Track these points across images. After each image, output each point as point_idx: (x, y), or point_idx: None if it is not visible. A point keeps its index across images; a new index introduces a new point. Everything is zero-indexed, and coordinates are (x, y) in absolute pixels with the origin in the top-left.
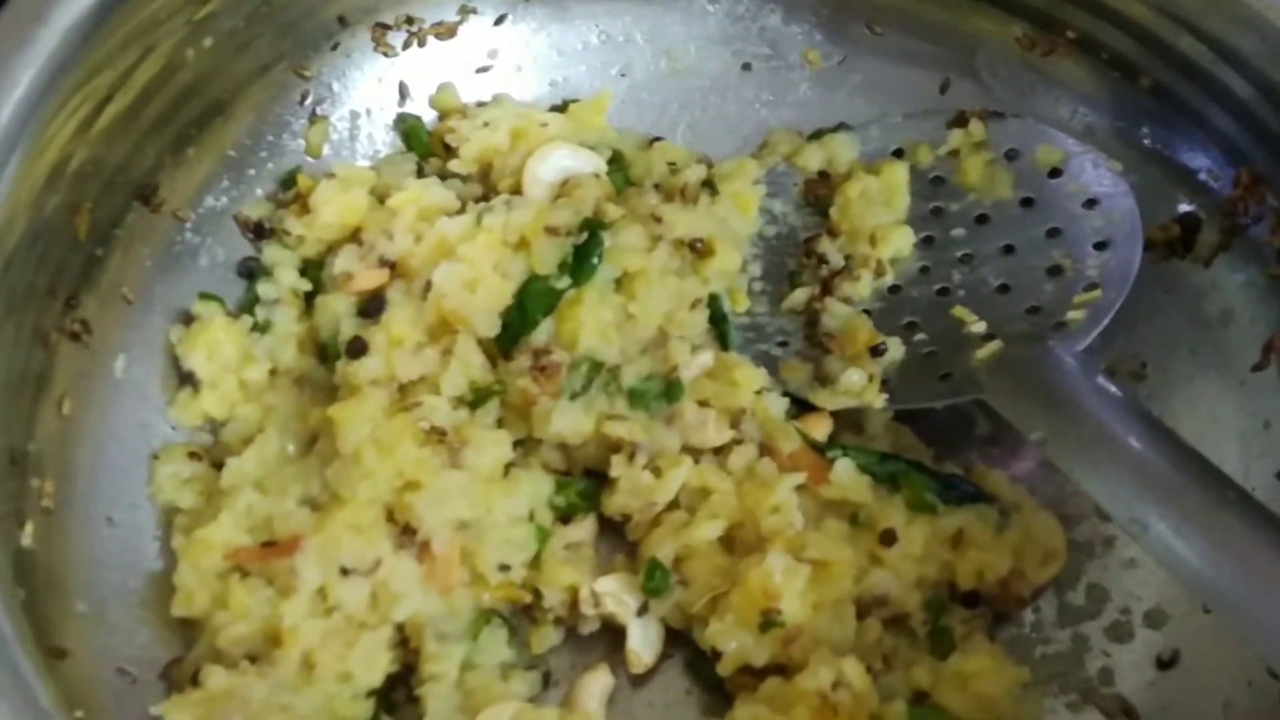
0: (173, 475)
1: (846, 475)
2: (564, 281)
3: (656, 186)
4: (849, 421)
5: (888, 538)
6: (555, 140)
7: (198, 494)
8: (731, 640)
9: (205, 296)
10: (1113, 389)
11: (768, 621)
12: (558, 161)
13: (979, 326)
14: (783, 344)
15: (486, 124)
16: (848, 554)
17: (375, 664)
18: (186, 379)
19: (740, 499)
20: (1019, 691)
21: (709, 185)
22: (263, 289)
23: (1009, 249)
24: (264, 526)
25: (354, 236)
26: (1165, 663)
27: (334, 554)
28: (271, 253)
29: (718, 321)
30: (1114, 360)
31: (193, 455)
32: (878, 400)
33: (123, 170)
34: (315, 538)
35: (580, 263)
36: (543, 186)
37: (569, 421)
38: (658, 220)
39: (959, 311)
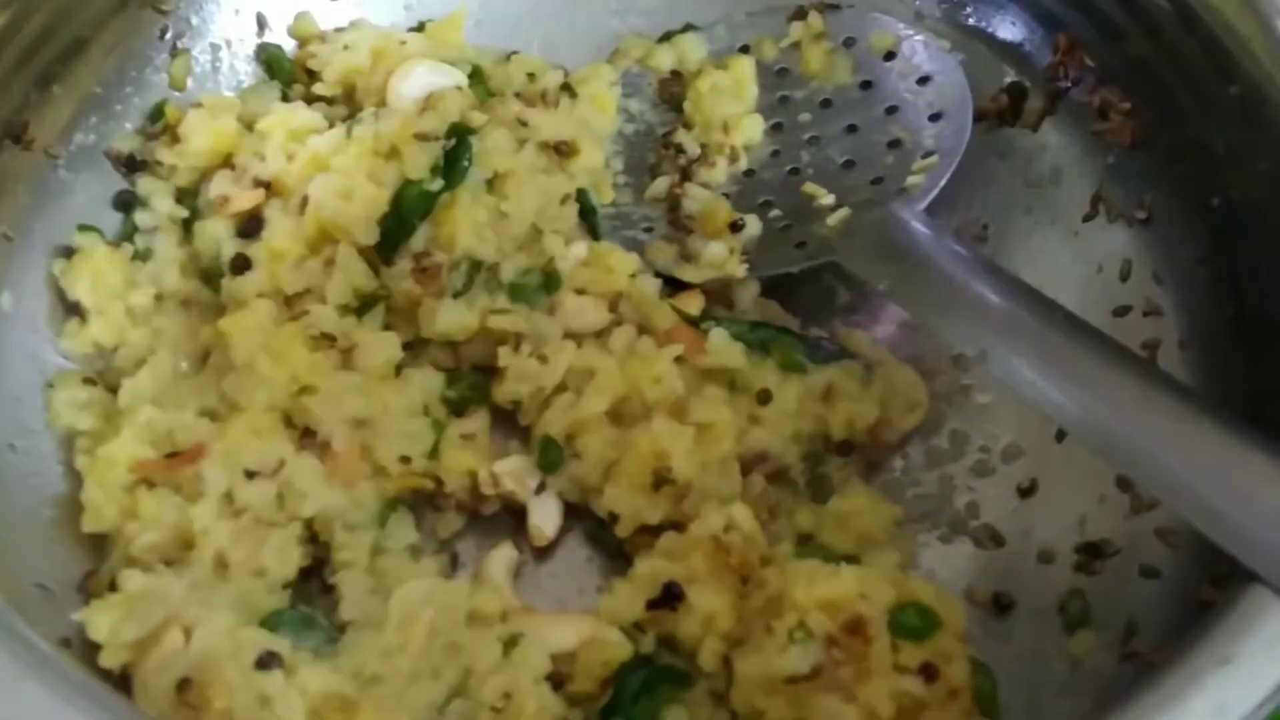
0: (69, 401)
1: (721, 343)
2: (437, 184)
3: (518, 95)
4: (721, 298)
5: (763, 397)
6: (416, 58)
7: (95, 416)
8: (627, 503)
9: (84, 228)
10: (948, 238)
11: (660, 480)
12: (420, 78)
13: (828, 199)
14: (648, 229)
15: (347, 47)
16: (727, 415)
17: (287, 559)
18: (73, 309)
19: (624, 374)
20: (894, 528)
21: (568, 89)
22: (140, 218)
23: (852, 128)
24: (165, 440)
25: (226, 162)
26: (1025, 491)
27: (237, 459)
28: (146, 184)
29: (587, 214)
30: (959, 226)
31: (87, 381)
32: (739, 270)
33: None
34: (218, 445)
35: (451, 165)
36: (407, 102)
37: (454, 319)
38: (523, 124)
39: (809, 188)
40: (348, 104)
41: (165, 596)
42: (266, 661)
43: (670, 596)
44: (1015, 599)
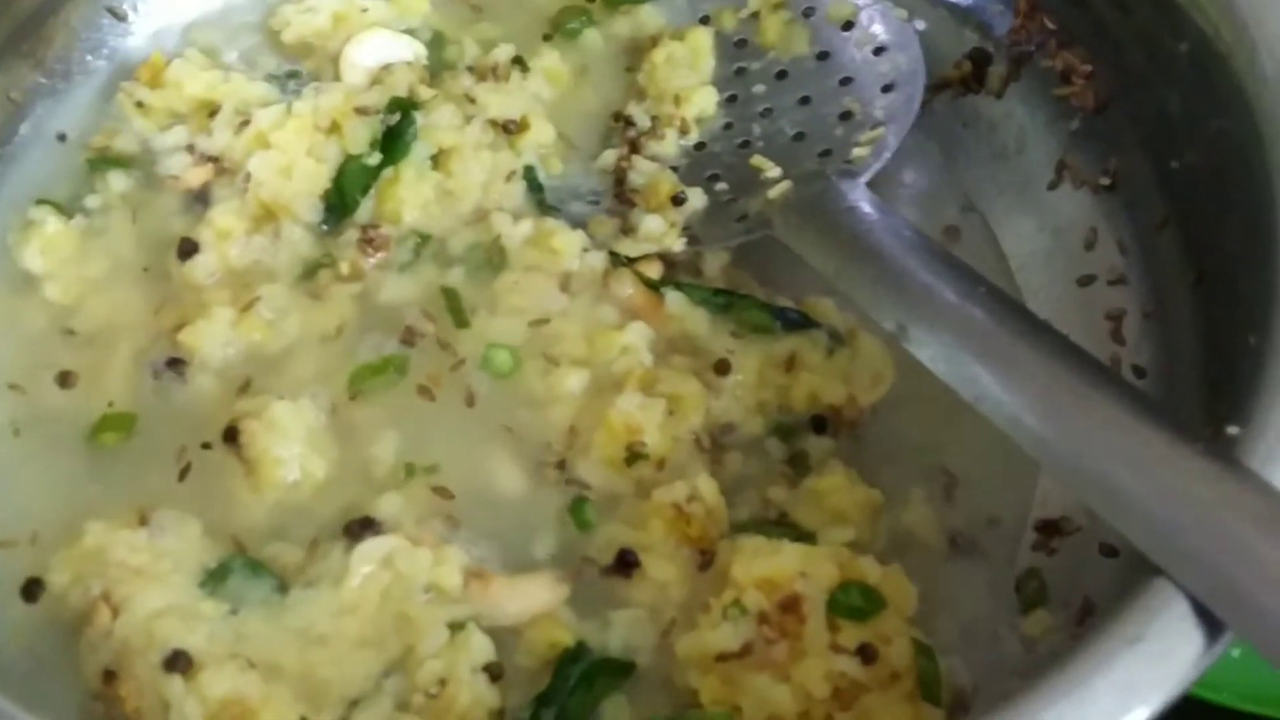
0: None
1: (679, 307)
2: (376, 158)
3: (470, 69)
4: (688, 267)
5: (722, 367)
6: (374, 26)
7: None
8: (599, 476)
9: (41, 202)
10: (887, 213)
11: (633, 455)
12: (375, 47)
13: (774, 172)
14: (594, 202)
15: (310, 9)
16: (697, 386)
17: None
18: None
19: (590, 346)
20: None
21: (519, 63)
22: (90, 200)
23: (805, 100)
24: None
25: (211, 111)
26: None
27: None
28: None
29: (535, 190)
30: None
31: None
32: (676, 244)
33: None
34: None
35: (394, 140)
36: (359, 72)
37: (400, 291)
38: (471, 101)
39: (757, 160)
40: (302, 67)
41: (115, 561)
42: (173, 662)
43: (625, 564)
44: None
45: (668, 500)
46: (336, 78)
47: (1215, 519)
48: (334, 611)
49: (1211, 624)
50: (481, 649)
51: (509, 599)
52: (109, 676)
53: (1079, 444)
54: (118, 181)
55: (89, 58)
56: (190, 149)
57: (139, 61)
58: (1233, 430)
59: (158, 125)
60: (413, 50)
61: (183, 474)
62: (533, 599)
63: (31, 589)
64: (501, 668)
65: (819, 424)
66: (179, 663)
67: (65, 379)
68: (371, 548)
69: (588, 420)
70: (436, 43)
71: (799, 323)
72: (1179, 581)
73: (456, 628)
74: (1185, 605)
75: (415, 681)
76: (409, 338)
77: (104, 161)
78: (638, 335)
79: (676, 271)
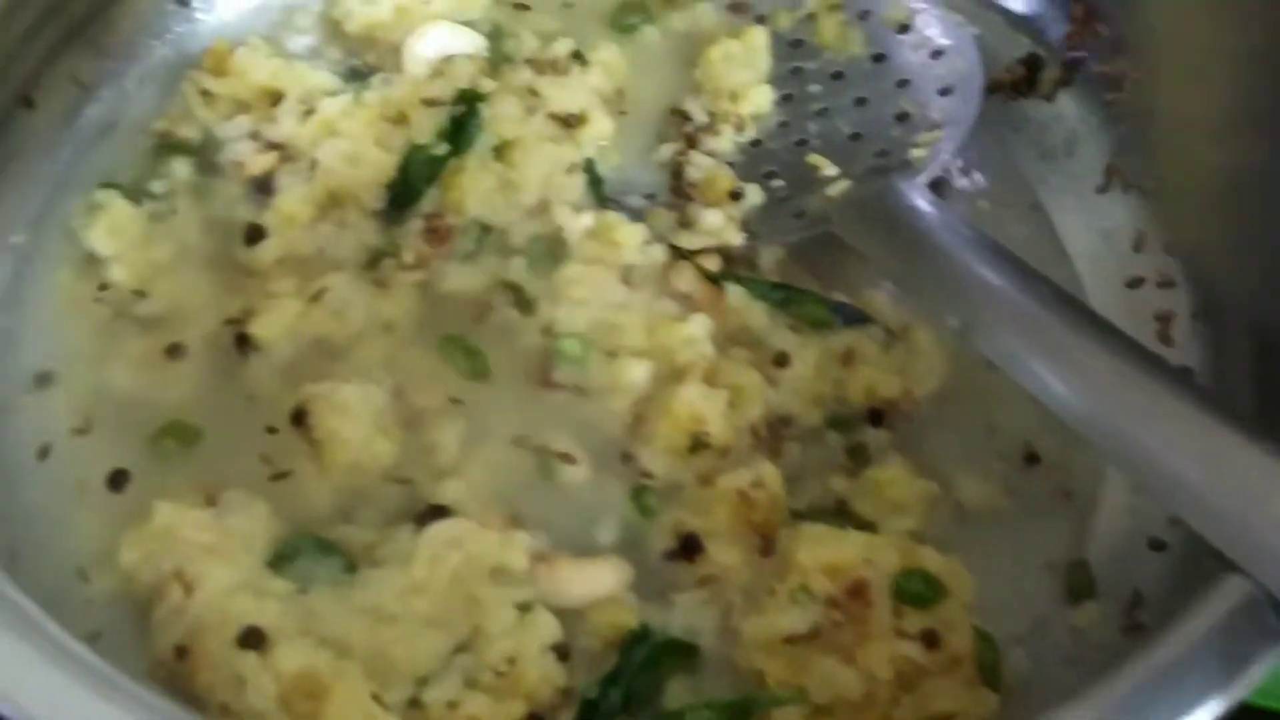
0: None
1: (739, 300)
2: (442, 149)
3: (529, 61)
4: (745, 262)
5: (780, 359)
6: (436, 18)
7: None
8: (662, 465)
9: (106, 185)
10: (946, 212)
11: (697, 444)
12: (436, 39)
13: (832, 170)
14: (650, 196)
15: (372, 0)
16: (757, 377)
17: None
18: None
19: (651, 339)
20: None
21: (578, 57)
22: (155, 185)
23: (861, 101)
24: None
25: (274, 100)
26: (1030, 458)
27: None
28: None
29: (595, 184)
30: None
31: None
32: (736, 238)
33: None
34: None
35: (459, 131)
36: (421, 64)
37: (463, 280)
38: (533, 94)
39: (814, 159)
40: (364, 58)
41: (184, 539)
42: (248, 638)
43: (689, 547)
44: None
45: (733, 486)
46: (397, 69)
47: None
48: (402, 591)
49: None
50: (550, 629)
51: (574, 582)
52: (181, 652)
53: (1146, 440)
54: (181, 168)
55: (153, 42)
56: (254, 136)
57: (201, 48)
58: None
59: (221, 114)
60: (473, 43)
61: (252, 457)
62: (597, 582)
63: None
64: (569, 647)
65: (875, 417)
66: (253, 639)
67: (133, 363)
68: (440, 530)
69: (650, 410)
70: (495, 35)
71: (856, 317)
72: (1254, 575)
73: (524, 608)
74: (1253, 602)
75: (484, 660)
76: (481, 315)
77: (168, 148)
78: (699, 327)
79: (734, 266)
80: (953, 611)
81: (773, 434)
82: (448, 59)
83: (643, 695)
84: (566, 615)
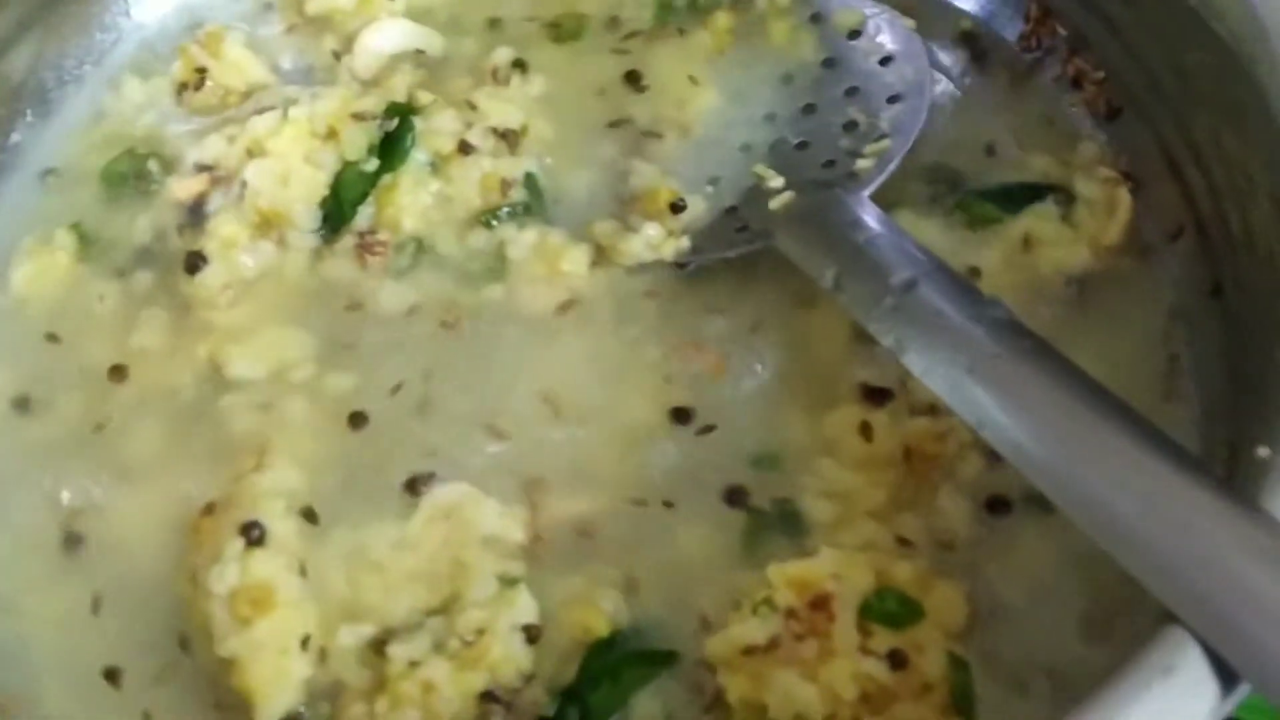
0: None
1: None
2: (373, 165)
3: (470, 71)
4: None
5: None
6: (396, 15)
7: None
8: None
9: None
10: (891, 226)
11: None
12: (391, 34)
13: (776, 182)
14: (594, 206)
15: None
16: None
17: None
18: None
19: None
20: None
21: (519, 65)
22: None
23: (810, 108)
24: None
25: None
26: None
27: None
28: None
29: (535, 195)
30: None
31: None
32: (675, 253)
33: None
34: None
35: (392, 146)
36: (371, 56)
37: (398, 298)
38: (472, 108)
39: (759, 169)
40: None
41: None
42: (249, 529)
43: None
44: None
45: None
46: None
47: (1220, 556)
48: (393, 544)
49: None
50: (526, 608)
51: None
52: (210, 508)
53: (1082, 473)
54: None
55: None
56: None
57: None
58: (1263, 452)
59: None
60: (429, 41)
61: None
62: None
63: None
64: (540, 631)
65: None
66: (252, 532)
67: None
68: (444, 492)
69: None
70: (452, 29)
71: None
72: (1185, 621)
73: (508, 583)
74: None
75: (455, 627)
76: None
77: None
78: None
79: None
80: (928, 634)
81: None
82: (397, 56)
83: (604, 711)
84: (545, 606)
